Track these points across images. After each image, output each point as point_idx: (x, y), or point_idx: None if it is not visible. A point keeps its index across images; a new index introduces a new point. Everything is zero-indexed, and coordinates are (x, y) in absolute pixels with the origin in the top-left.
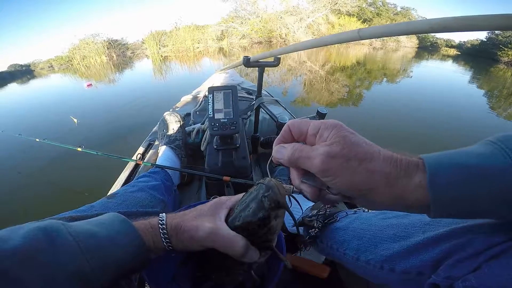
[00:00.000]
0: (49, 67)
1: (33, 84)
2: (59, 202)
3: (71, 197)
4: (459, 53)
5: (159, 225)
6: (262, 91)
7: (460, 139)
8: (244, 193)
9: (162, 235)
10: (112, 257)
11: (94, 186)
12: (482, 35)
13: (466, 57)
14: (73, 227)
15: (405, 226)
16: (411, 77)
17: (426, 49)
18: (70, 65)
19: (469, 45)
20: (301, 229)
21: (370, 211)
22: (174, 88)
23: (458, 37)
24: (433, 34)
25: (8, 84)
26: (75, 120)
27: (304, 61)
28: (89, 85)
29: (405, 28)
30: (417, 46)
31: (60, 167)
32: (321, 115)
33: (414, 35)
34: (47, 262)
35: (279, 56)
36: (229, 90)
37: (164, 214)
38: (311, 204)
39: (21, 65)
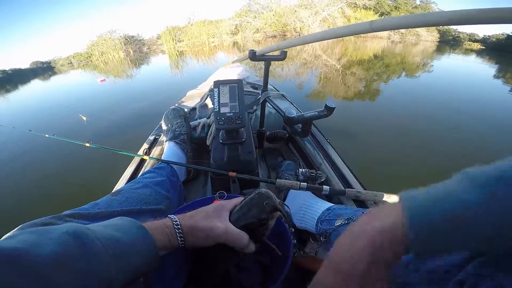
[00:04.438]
0: (68, 63)
1: (53, 80)
2: (66, 197)
3: (77, 193)
4: (483, 47)
5: (175, 226)
6: (268, 86)
7: (486, 144)
8: (241, 197)
9: (178, 235)
10: (132, 263)
11: (101, 181)
12: (508, 29)
13: (491, 51)
14: (97, 232)
15: None
16: (432, 71)
17: (448, 43)
18: (90, 61)
19: (494, 40)
20: (313, 226)
21: None
22: (191, 82)
23: (482, 31)
24: (454, 28)
25: (31, 81)
26: (84, 118)
27: (319, 55)
28: (103, 80)
29: (421, 19)
30: (438, 40)
31: (69, 162)
32: (329, 109)
33: (435, 29)
34: (81, 268)
35: (286, 49)
36: (234, 84)
37: (174, 216)
38: (327, 203)
39: (42, 62)
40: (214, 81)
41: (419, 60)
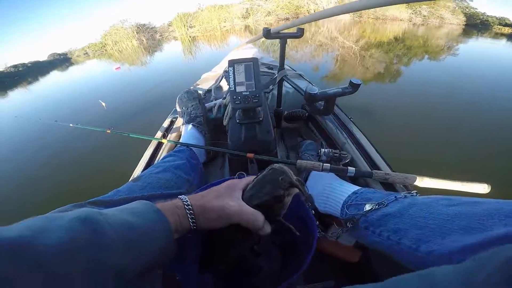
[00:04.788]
0: (84, 54)
1: (71, 70)
2: (88, 185)
3: (100, 179)
4: None
5: (185, 206)
6: (284, 66)
7: None
8: (254, 176)
9: (188, 215)
10: (147, 251)
11: (121, 166)
12: None
13: None
14: (111, 217)
15: (479, 216)
16: (458, 54)
17: (475, 27)
18: (105, 51)
19: None
20: (338, 211)
21: (425, 195)
22: (205, 65)
23: None
24: (482, 11)
25: (50, 72)
26: (104, 104)
27: (335, 37)
28: (118, 68)
29: None
30: (464, 23)
31: (92, 149)
32: (354, 86)
33: (461, 11)
34: (91, 257)
35: (302, 26)
36: (250, 62)
37: (185, 196)
38: (353, 186)
39: (59, 54)
40: (229, 60)
41: (444, 43)
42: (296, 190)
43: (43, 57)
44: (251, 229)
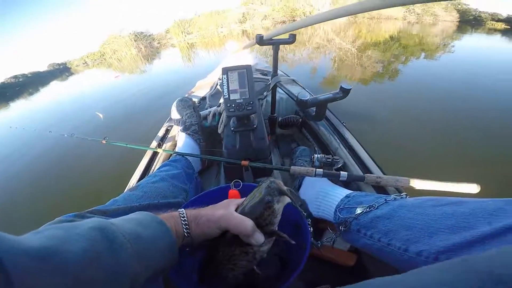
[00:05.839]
0: (83, 63)
1: (71, 80)
2: (84, 195)
3: (98, 189)
4: (508, 27)
5: (180, 214)
6: (278, 71)
7: None
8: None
9: (182, 222)
10: (154, 259)
11: (117, 176)
12: None
13: None
14: (121, 227)
15: (464, 216)
16: (453, 52)
17: (469, 23)
18: (104, 60)
19: None
20: (331, 215)
21: (413, 197)
22: (203, 72)
23: (506, 10)
24: (474, 7)
25: (50, 83)
26: (101, 116)
27: (332, 39)
28: (117, 76)
29: None
30: (458, 20)
31: (87, 160)
32: (345, 91)
33: (454, 8)
34: (109, 264)
35: (293, 32)
36: (243, 70)
37: (182, 209)
38: (345, 190)
39: (59, 63)
40: (223, 68)
41: (439, 41)
42: (287, 199)
43: (43, 67)
44: (241, 236)
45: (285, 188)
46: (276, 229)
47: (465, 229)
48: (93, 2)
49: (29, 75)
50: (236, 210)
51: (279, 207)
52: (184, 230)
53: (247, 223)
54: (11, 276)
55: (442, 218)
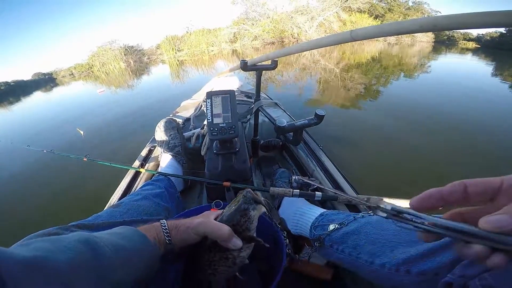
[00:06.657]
0: (70, 74)
1: (55, 92)
2: (64, 211)
3: (77, 206)
4: (479, 46)
5: (161, 223)
6: (262, 94)
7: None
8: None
9: (163, 230)
10: (136, 269)
11: (98, 193)
12: (502, 28)
13: (486, 50)
14: (104, 240)
15: None
16: (429, 72)
17: (443, 43)
18: (91, 72)
19: (488, 38)
20: (307, 232)
21: (377, 214)
22: (191, 92)
23: (476, 30)
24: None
25: (33, 93)
26: (82, 132)
27: (318, 60)
28: (102, 91)
29: (396, 28)
30: (434, 40)
31: (67, 177)
32: (319, 117)
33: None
34: (96, 274)
35: (276, 59)
36: (227, 95)
37: (164, 220)
38: (320, 209)
39: (44, 73)
40: (207, 92)
41: (417, 61)
42: (263, 208)
43: (27, 76)
44: (220, 242)
45: (261, 198)
46: (254, 235)
47: (420, 242)
48: (88, 13)
49: (12, 83)
50: (215, 219)
51: (254, 214)
52: (166, 237)
53: (224, 227)
54: (6, 285)
55: (400, 233)
